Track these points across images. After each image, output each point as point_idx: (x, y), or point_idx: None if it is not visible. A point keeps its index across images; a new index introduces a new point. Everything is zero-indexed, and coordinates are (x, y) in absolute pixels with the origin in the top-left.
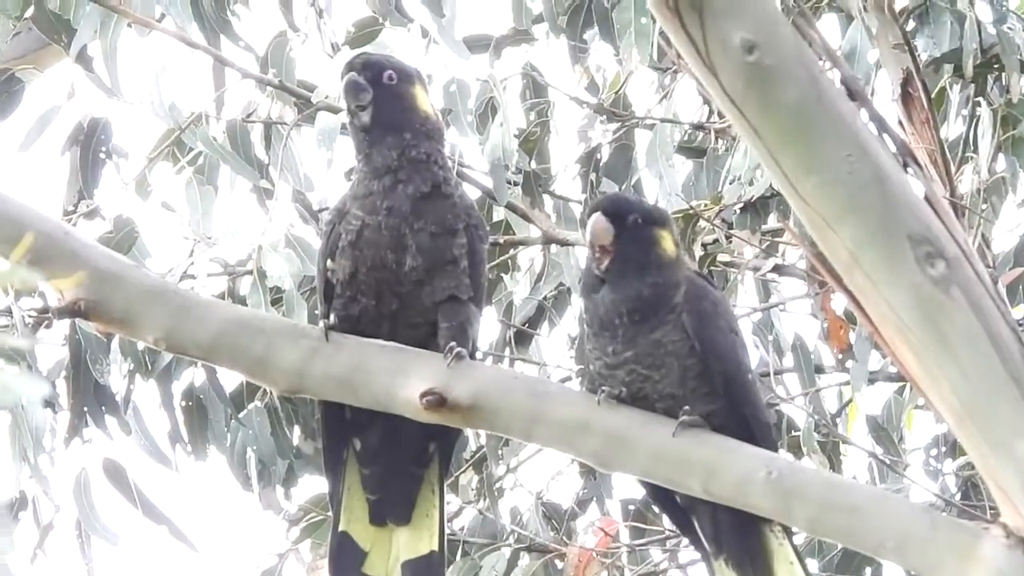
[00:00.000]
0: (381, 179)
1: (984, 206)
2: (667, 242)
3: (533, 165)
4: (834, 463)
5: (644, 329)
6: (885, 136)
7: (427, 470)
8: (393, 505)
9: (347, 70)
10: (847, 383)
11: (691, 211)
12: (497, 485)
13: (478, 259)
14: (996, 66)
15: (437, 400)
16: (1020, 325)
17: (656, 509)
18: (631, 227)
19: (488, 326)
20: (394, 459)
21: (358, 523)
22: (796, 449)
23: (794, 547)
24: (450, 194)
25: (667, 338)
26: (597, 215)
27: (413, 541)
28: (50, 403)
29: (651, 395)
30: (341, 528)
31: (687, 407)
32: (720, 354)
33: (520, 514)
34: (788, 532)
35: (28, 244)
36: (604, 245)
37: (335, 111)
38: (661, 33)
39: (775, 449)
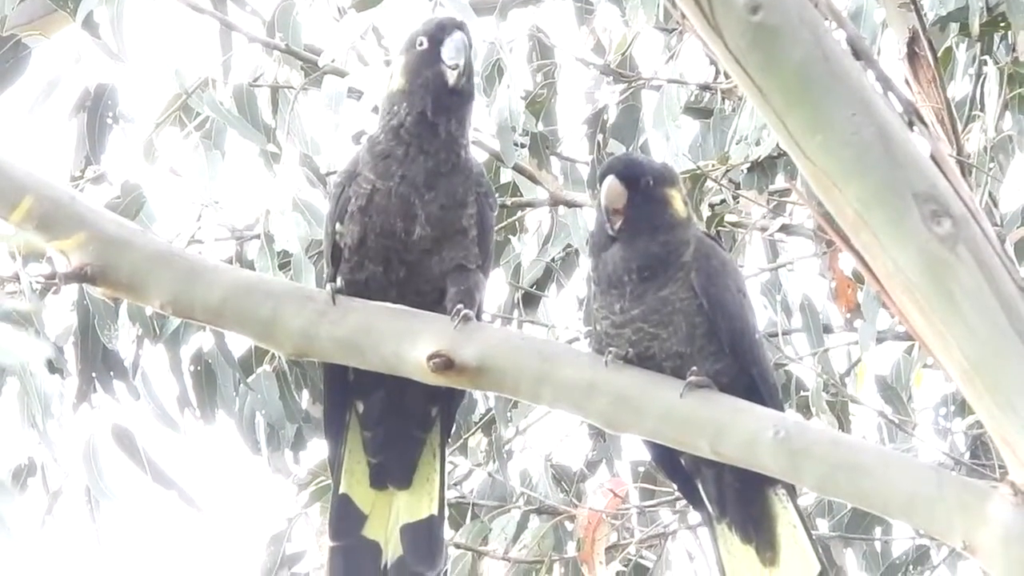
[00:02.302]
0: (405, 144)
1: (991, 165)
2: (677, 202)
3: (540, 127)
4: (843, 423)
5: (652, 287)
6: (891, 95)
7: (429, 434)
8: (394, 469)
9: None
10: (855, 343)
11: (698, 171)
12: (506, 447)
13: (486, 228)
14: (1002, 24)
15: (444, 362)
16: None
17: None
18: (643, 189)
19: (496, 288)
20: (396, 423)
21: (359, 486)
22: (805, 409)
23: (798, 510)
24: (464, 166)
25: (675, 296)
26: (610, 178)
27: (413, 505)
28: (57, 368)
29: (658, 354)
30: (342, 491)
31: (694, 367)
32: (727, 312)
33: (529, 476)
34: (792, 495)
35: (28, 207)
36: (616, 209)
37: (341, 75)
38: None
39: (782, 409)
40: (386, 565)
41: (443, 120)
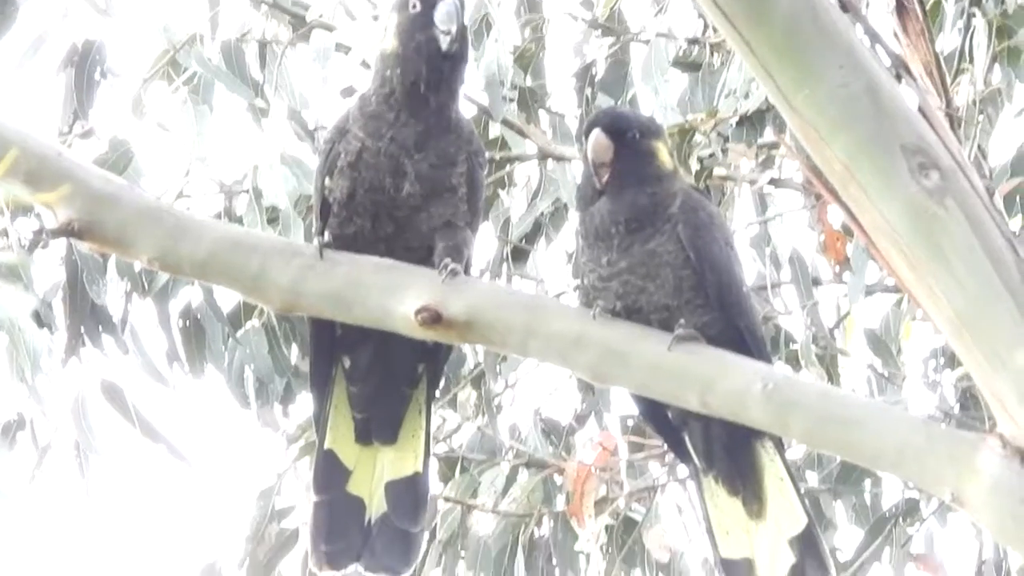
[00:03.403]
0: (395, 110)
1: (980, 117)
2: (663, 155)
3: (528, 81)
4: (832, 376)
5: (639, 239)
6: (879, 48)
7: (415, 390)
8: (379, 424)
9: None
10: (844, 295)
11: (687, 125)
12: (495, 401)
13: (476, 186)
14: None
15: (432, 316)
16: (1016, 236)
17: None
18: (630, 142)
19: (485, 243)
20: (383, 378)
21: (343, 441)
22: (794, 362)
23: (785, 463)
24: (455, 126)
25: (662, 248)
26: (596, 131)
27: (398, 461)
28: (46, 323)
29: (646, 308)
30: (326, 446)
31: (682, 320)
32: (714, 265)
33: (519, 430)
34: (780, 448)
35: (13, 160)
36: (602, 163)
37: (329, 29)
38: None
39: (770, 362)
40: (370, 520)
41: (434, 88)
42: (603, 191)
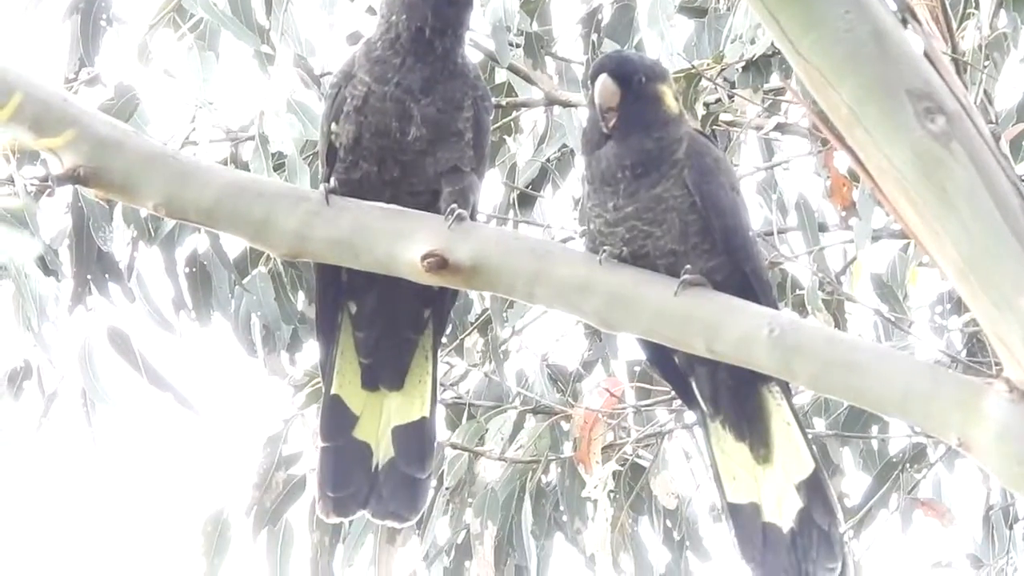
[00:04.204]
0: (401, 55)
1: (986, 62)
2: (669, 98)
3: (534, 27)
4: (839, 321)
5: (646, 183)
6: None
7: (421, 336)
8: (386, 370)
9: None
10: (851, 241)
11: (693, 71)
12: (502, 348)
13: (482, 130)
14: None
15: (439, 262)
16: (1022, 180)
17: None
18: (636, 86)
19: (491, 189)
20: (389, 323)
21: (350, 387)
22: (801, 308)
23: (792, 407)
24: (460, 70)
25: (668, 193)
26: (603, 76)
27: (405, 407)
28: (52, 271)
29: (652, 252)
30: (333, 392)
31: (688, 265)
32: (721, 209)
33: (526, 377)
34: (787, 392)
35: (17, 104)
36: (610, 107)
37: None
38: None
39: (776, 307)
40: (377, 466)
41: (440, 33)
42: (610, 135)
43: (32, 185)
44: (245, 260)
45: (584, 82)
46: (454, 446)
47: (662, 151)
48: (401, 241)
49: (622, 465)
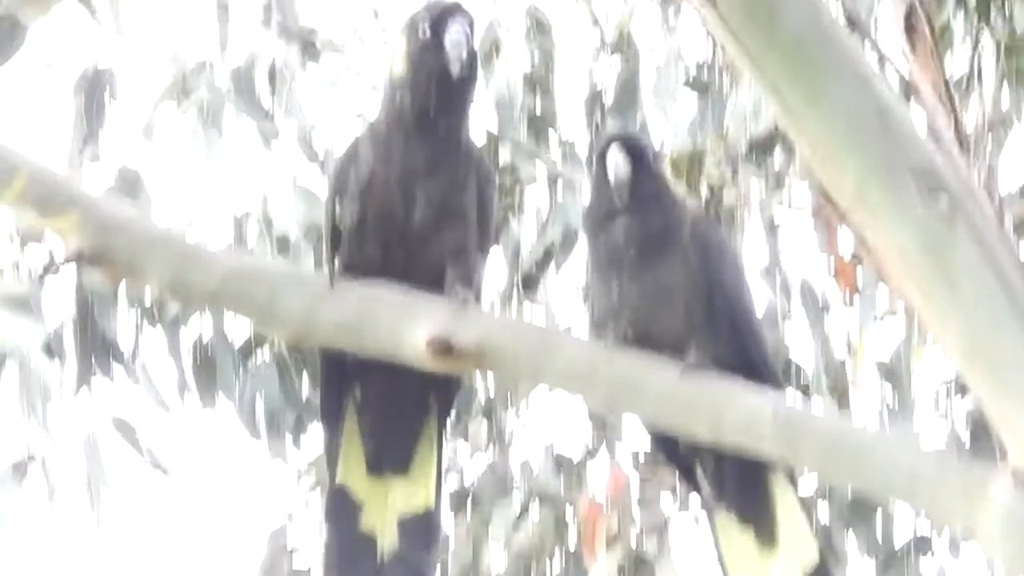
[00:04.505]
0: (405, 136)
1: (989, 140)
2: (670, 181)
3: (538, 105)
4: (843, 404)
5: (651, 264)
6: (888, 69)
7: (427, 420)
8: (391, 455)
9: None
10: (855, 323)
11: (697, 148)
12: (507, 434)
13: (487, 210)
14: None
15: (443, 346)
16: None
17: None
18: (647, 161)
19: (495, 270)
20: (394, 408)
21: (355, 473)
22: (805, 391)
23: (797, 493)
24: (465, 150)
25: (673, 276)
26: (617, 149)
27: (410, 494)
28: (56, 354)
29: (657, 336)
30: (338, 480)
31: (693, 348)
32: (726, 292)
33: (530, 464)
34: (793, 479)
35: (22, 185)
36: (625, 179)
37: (339, 53)
38: None
39: (780, 390)
40: (382, 554)
41: (444, 113)
42: (622, 209)
43: (36, 268)
44: (250, 344)
45: (588, 160)
46: (459, 533)
47: (669, 230)
48: (406, 325)
49: (627, 553)
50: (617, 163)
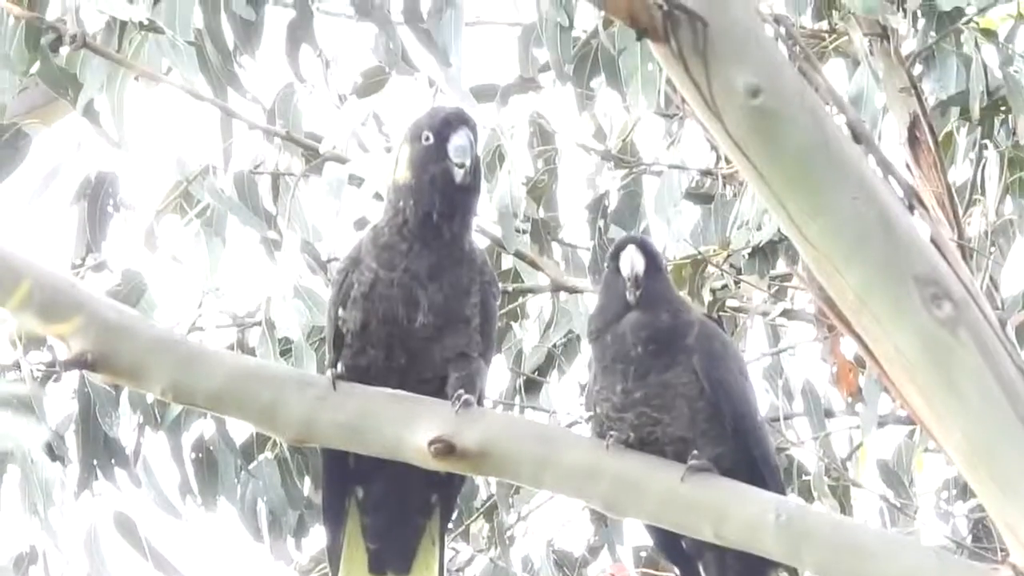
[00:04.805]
0: (409, 241)
1: (992, 249)
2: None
3: (541, 213)
4: (845, 507)
5: (656, 367)
6: (891, 179)
7: (429, 520)
8: (393, 555)
9: (459, 123)
10: (857, 427)
11: (700, 257)
12: (508, 533)
13: (490, 316)
14: (1003, 108)
15: (446, 448)
16: None
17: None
18: (658, 262)
19: (498, 374)
20: (396, 509)
21: (357, 572)
22: (807, 493)
23: None
24: (468, 256)
25: (677, 379)
26: (633, 247)
27: None
28: (59, 456)
29: (660, 438)
30: None
31: (696, 451)
32: (730, 396)
33: (531, 562)
34: None
35: (26, 292)
36: (640, 275)
37: (342, 161)
38: (667, 79)
39: (783, 493)
40: None
41: (448, 219)
42: (634, 306)
43: (39, 371)
44: (252, 445)
45: (591, 268)
46: None
47: (676, 330)
48: (408, 426)
49: None
50: (633, 261)
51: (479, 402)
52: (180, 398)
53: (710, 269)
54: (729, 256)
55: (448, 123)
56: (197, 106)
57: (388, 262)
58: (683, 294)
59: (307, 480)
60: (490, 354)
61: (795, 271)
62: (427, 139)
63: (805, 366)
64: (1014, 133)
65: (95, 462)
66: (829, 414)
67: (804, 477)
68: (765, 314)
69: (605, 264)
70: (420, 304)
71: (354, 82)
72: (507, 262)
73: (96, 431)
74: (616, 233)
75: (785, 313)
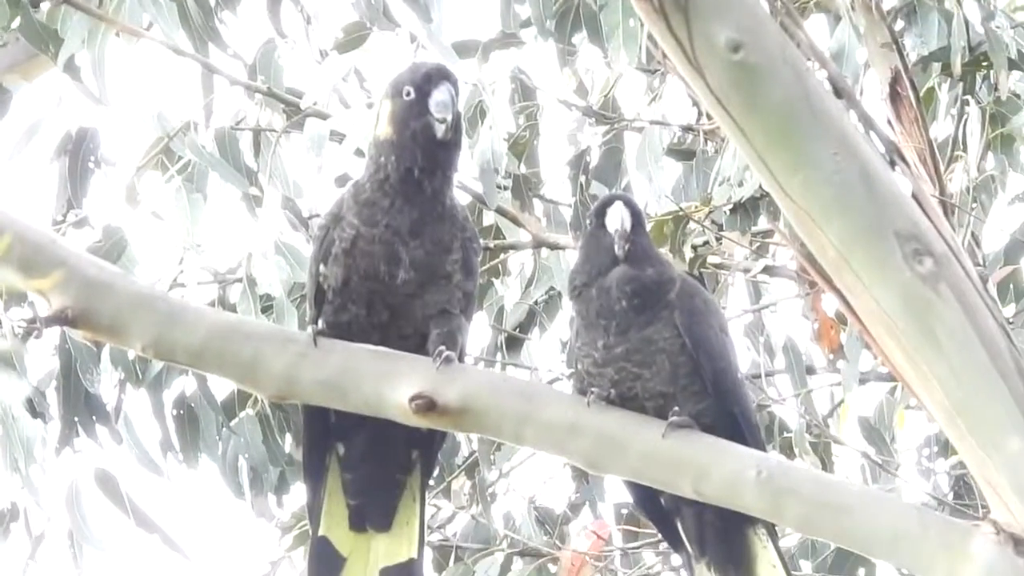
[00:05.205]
0: (390, 197)
1: (973, 204)
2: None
3: (522, 169)
4: (826, 464)
5: (638, 323)
6: (873, 135)
7: (409, 477)
8: (374, 511)
9: (441, 79)
10: (838, 383)
11: (681, 213)
12: (490, 490)
13: (471, 273)
14: (984, 64)
15: (427, 404)
16: (1009, 323)
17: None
18: (642, 221)
19: (479, 331)
20: (377, 465)
21: (338, 528)
22: (788, 450)
23: (778, 550)
24: (449, 212)
25: (659, 335)
26: (620, 204)
27: (392, 548)
28: (40, 413)
29: (641, 394)
30: (320, 533)
31: (676, 407)
32: (711, 352)
33: (513, 519)
34: (773, 534)
35: (6, 246)
36: (628, 231)
37: (324, 117)
38: (648, 35)
39: (764, 449)
40: None
41: (429, 174)
42: (624, 259)
43: (20, 327)
44: (233, 402)
45: (572, 224)
46: None
47: (661, 285)
48: (389, 383)
49: None
50: (622, 217)
51: (460, 358)
52: (161, 355)
53: (691, 225)
54: (711, 212)
55: (429, 79)
56: (178, 62)
57: (369, 218)
58: (664, 251)
59: (288, 437)
60: (471, 311)
61: (776, 227)
62: (408, 95)
63: (787, 323)
64: (995, 88)
65: (76, 419)
66: (810, 371)
67: (785, 434)
68: (746, 271)
69: (588, 221)
70: (401, 260)
71: (335, 38)
72: (488, 218)
73: (77, 388)
74: (598, 189)
75: (767, 269)
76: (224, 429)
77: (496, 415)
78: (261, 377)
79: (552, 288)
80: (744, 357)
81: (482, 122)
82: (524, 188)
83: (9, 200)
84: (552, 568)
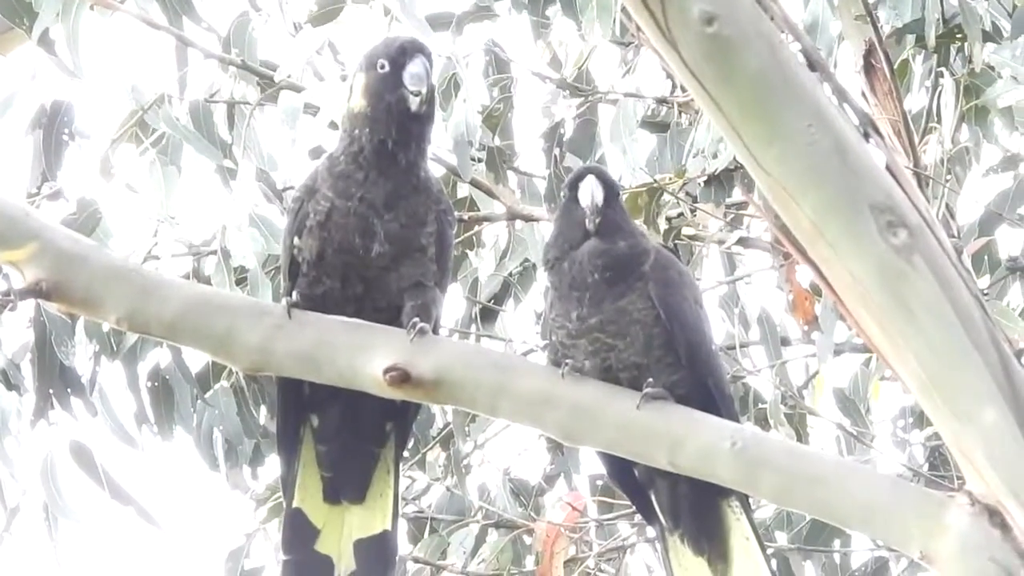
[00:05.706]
0: (365, 170)
1: (948, 176)
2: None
3: (497, 141)
4: (801, 435)
5: (612, 294)
6: (847, 107)
7: (383, 449)
8: (347, 483)
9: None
10: (813, 355)
11: (655, 185)
12: (464, 462)
13: (445, 245)
14: (959, 36)
15: (401, 376)
16: (984, 294)
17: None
18: (615, 194)
19: (453, 303)
20: (351, 437)
21: (311, 500)
22: (763, 421)
23: (751, 522)
24: (424, 185)
25: (632, 306)
26: (592, 177)
27: (366, 520)
28: (15, 385)
29: (615, 366)
30: (294, 505)
31: (651, 378)
32: (685, 323)
33: (488, 490)
34: (746, 506)
35: None
36: (599, 205)
37: (297, 90)
38: (622, 7)
39: (738, 420)
40: (340, 575)
41: (404, 147)
42: (596, 233)
43: None
44: (207, 374)
45: (547, 196)
46: (416, 560)
47: (633, 258)
48: (363, 355)
49: None
50: (593, 190)
51: (435, 330)
52: (135, 327)
53: (666, 197)
54: (685, 184)
55: (404, 51)
56: (152, 35)
57: (344, 191)
58: (639, 223)
59: (263, 409)
60: (446, 283)
61: (751, 199)
62: (382, 67)
63: (761, 294)
64: (970, 61)
65: (51, 391)
66: (785, 342)
67: (760, 405)
68: (721, 242)
69: (562, 193)
70: (376, 233)
71: (309, 10)
72: (463, 190)
73: (52, 360)
74: (572, 162)
75: (741, 241)
76: (199, 401)
77: (471, 387)
78: (235, 349)
79: (526, 260)
80: (719, 328)
81: (456, 95)
82: (498, 160)
83: None
84: (527, 540)
